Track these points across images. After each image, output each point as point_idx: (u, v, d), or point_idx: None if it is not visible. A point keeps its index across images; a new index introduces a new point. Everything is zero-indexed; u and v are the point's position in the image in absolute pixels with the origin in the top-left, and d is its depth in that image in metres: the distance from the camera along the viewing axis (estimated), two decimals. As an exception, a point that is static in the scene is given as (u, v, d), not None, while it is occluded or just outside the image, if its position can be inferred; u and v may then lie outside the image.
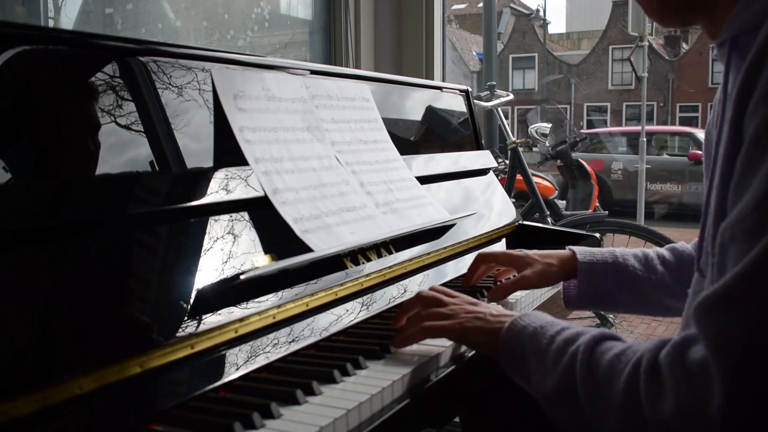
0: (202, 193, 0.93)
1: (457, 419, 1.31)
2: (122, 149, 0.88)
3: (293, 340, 0.93)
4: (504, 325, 0.88)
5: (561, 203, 4.30)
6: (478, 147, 1.88)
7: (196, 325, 0.81)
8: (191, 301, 0.83)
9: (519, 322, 0.88)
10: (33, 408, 0.62)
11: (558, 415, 0.80)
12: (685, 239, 1.34)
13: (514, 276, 1.27)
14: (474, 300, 1.00)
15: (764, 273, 0.60)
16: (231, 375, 0.82)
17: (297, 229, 1.04)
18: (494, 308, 0.97)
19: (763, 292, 0.60)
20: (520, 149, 3.55)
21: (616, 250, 1.25)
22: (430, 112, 1.72)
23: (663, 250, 1.24)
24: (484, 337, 0.91)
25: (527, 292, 1.29)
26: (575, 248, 1.26)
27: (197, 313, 0.83)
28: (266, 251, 0.98)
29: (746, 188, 0.65)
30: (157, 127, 0.93)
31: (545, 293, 1.34)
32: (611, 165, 11.34)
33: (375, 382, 0.82)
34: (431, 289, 1.03)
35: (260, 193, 1.02)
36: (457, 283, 1.31)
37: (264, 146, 1.08)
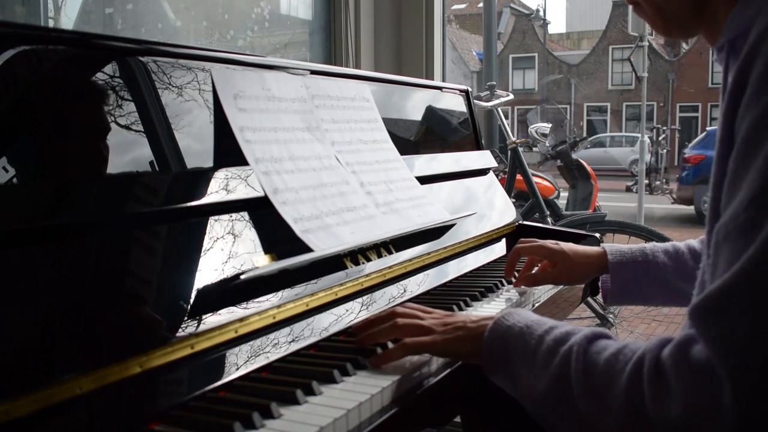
0: (203, 193, 0.93)
1: (457, 419, 1.31)
2: (122, 149, 0.88)
3: (293, 340, 0.93)
4: (486, 327, 0.85)
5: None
6: (478, 147, 1.88)
7: (196, 325, 0.81)
8: (191, 301, 0.83)
9: (503, 321, 0.84)
10: (33, 408, 0.62)
11: (549, 419, 0.77)
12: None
13: (538, 266, 1.34)
14: (449, 312, 0.98)
15: (760, 273, 0.60)
16: (231, 375, 0.81)
17: (297, 229, 1.04)
18: (472, 316, 0.93)
19: (760, 292, 0.60)
20: (520, 149, 3.55)
21: (646, 247, 1.27)
22: (430, 112, 1.72)
23: (694, 243, 1.25)
24: (468, 344, 0.87)
25: (528, 290, 1.32)
26: (606, 246, 1.29)
27: (197, 313, 0.83)
28: (266, 251, 0.98)
29: (738, 187, 0.64)
30: (157, 127, 0.93)
31: (546, 293, 1.35)
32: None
33: (375, 382, 0.82)
34: (405, 306, 1.00)
35: (260, 193, 1.02)
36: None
37: (264, 146, 1.08)
